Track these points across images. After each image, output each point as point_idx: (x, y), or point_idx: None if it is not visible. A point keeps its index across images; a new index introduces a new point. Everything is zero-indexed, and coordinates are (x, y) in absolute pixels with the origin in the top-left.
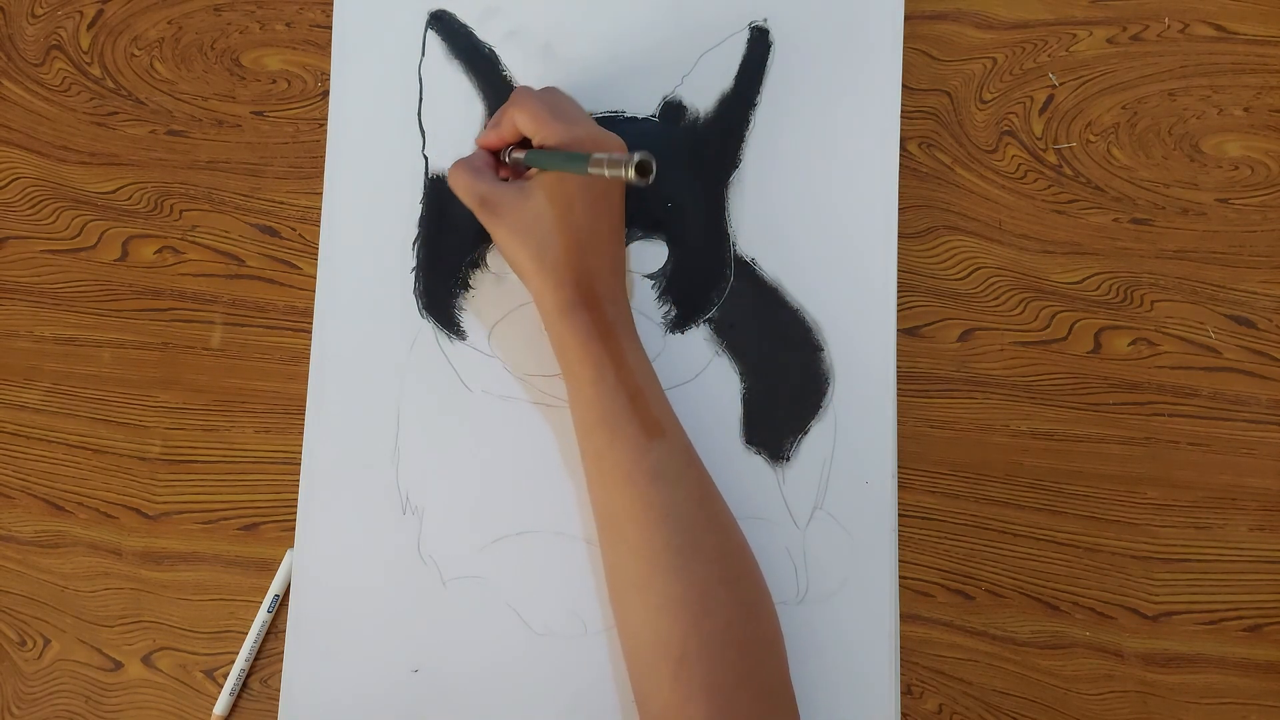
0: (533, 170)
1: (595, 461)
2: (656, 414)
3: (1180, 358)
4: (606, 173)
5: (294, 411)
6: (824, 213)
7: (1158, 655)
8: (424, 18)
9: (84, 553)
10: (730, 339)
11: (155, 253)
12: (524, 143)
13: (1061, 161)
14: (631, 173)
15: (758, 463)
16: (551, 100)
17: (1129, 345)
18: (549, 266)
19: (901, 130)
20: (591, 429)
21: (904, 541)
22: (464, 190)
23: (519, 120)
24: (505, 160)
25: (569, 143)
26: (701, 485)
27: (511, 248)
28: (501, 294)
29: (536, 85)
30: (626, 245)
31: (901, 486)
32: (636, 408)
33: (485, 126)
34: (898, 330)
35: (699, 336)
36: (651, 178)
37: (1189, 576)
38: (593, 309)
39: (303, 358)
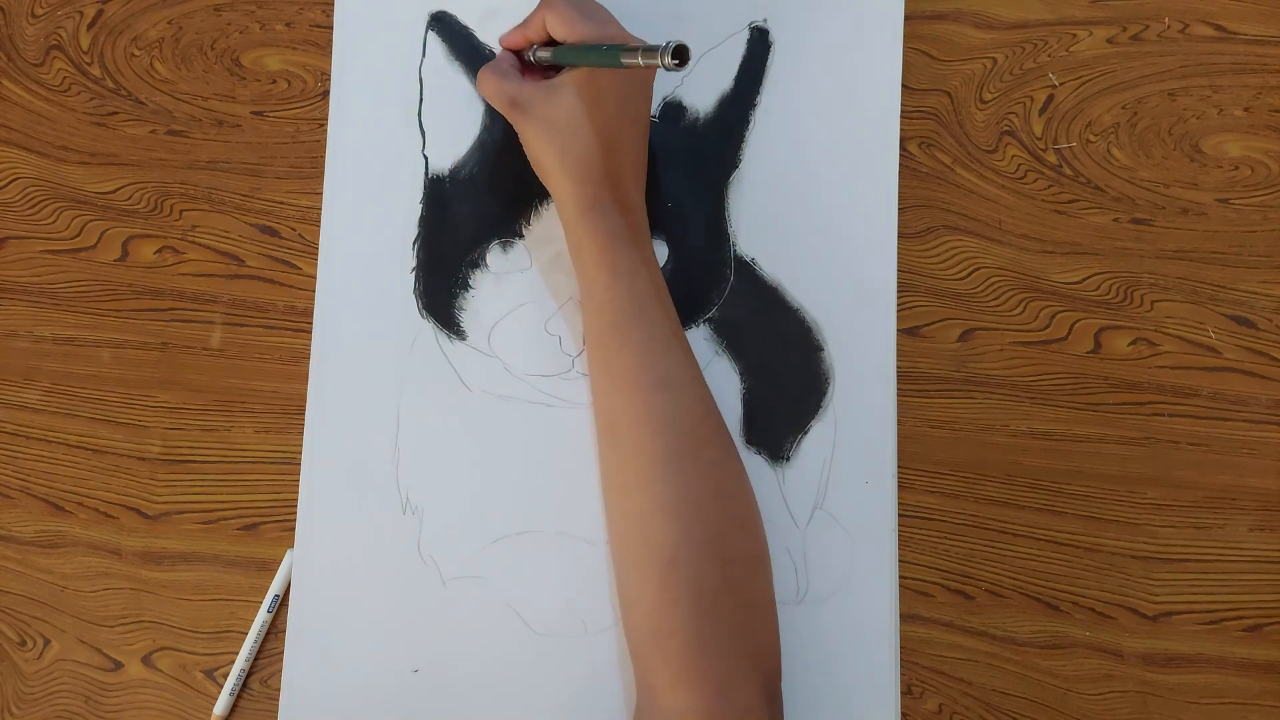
0: (563, 72)
1: (603, 367)
2: (668, 323)
3: (1180, 358)
4: (641, 62)
5: (294, 411)
6: (824, 213)
7: (1158, 655)
8: (424, 19)
9: (84, 553)
10: (730, 339)
11: (155, 253)
12: (549, 44)
13: (1061, 161)
14: (669, 59)
15: (758, 463)
16: (580, 2)
17: (1129, 345)
18: (572, 164)
19: (901, 130)
20: (602, 333)
21: (904, 541)
22: (493, 91)
23: (549, 21)
24: (530, 59)
25: (599, 40)
26: (704, 400)
27: (538, 146)
28: (501, 294)
29: None
30: None
31: (901, 486)
32: (649, 315)
33: (509, 31)
34: (898, 330)
35: (699, 336)
36: (688, 64)
37: (1189, 576)
38: (613, 212)
39: (303, 358)
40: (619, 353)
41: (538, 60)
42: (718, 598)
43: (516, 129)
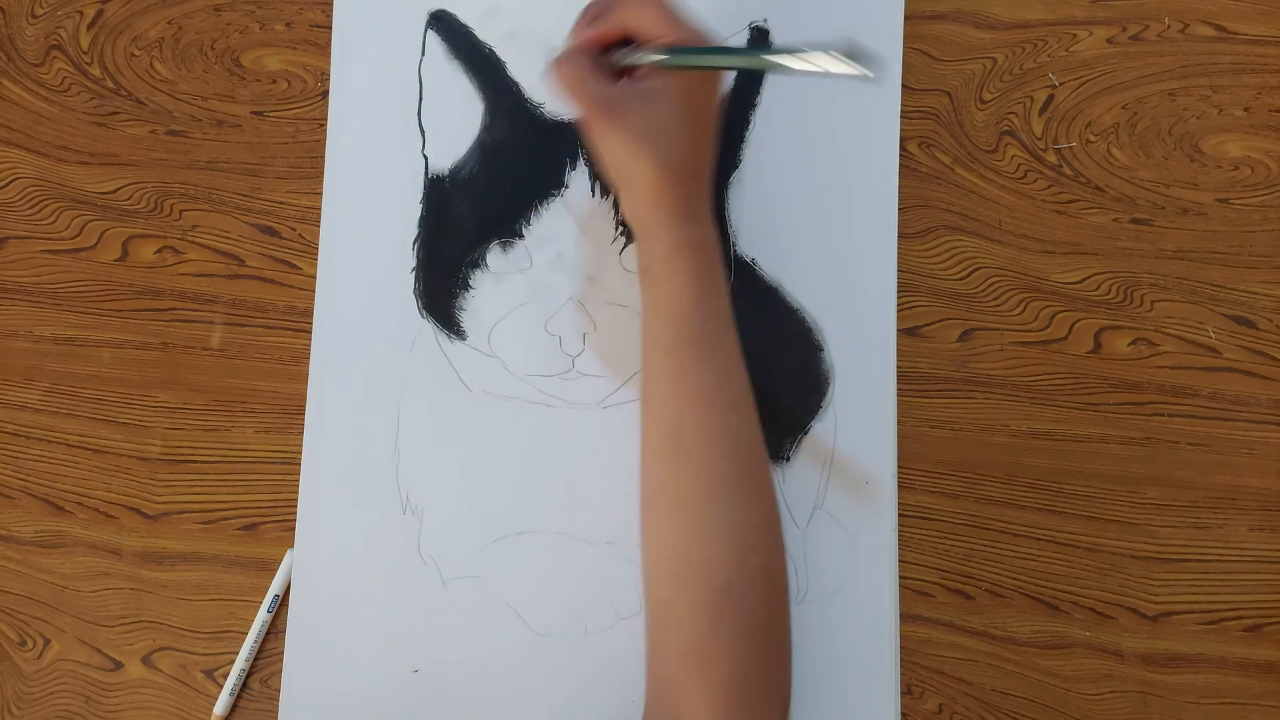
0: (653, 76)
1: (675, 379)
2: (738, 345)
3: (1180, 358)
4: (830, 67)
5: (294, 411)
6: (824, 213)
7: (1158, 655)
8: (424, 18)
9: (84, 553)
10: None
11: (155, 253)
12: (618, 45)
13: (1061, 161)
14: (865, 68)
15: None
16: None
17: (1129, 345)
18: (674, 173)
19: (901, 130)
20: (679, 345)
21: (904, 541)
22: (576, 90)
23: (637, 17)
24: (620, 63)
25: (694, 40)
26: (759, 428)
27: (629, 154)
28: (501, 294)
29: (535, 85)
30: (626, 245)
31: (901, 486)
32: (728, 334)
33: (574, 27)
34: (898, 330)
35: None
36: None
37: (1189, 576)
38: (700, 224)
39: (303, 358)
40: (697, 368)
41: (629, 63)
42: (764, 629)
43: (598, 132)
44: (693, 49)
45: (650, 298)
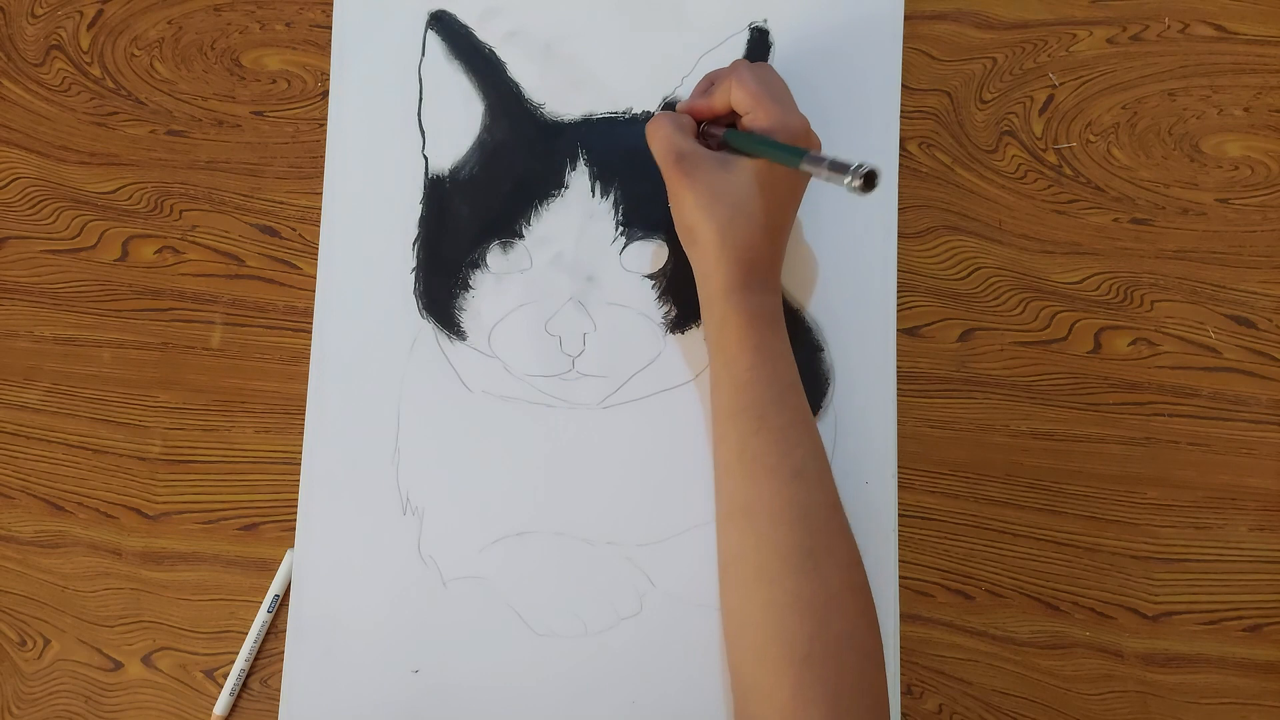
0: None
1: (735, 449)
2: (804, 411)
3: (1180, 358)
4: (825, 176)
5: (294, 411)
6: (824, 213)
7: (1158, 655)
8: (424, 18)
9: (84, 553)
10: None
11: (155, 253)
12: (719, 120)
13: (1061, 161)
14: (858, 182)
15: None
16: (769, 80)
17: (1129, 345)
18: (731, 242)
19: (901, 130)
20: (737, 414)
21: (904, 541)
22: (662, 142)
23: (736, 95)
24: (701, 129)
25: (779, 129)
26: (834, 492)
27: (695, 215)
28: (501, 294)
29: (535, 85)
30: (626, 245)
31: (901, 486)
32: (788, 401)
33: (690, 93)
34: (898, 330)
35: (699, 336)
36: (875, 190)
37: (1189, 576)
38: (762, 293)
39: (303, 358)
40: (755, 437)
41: (708, 137)
42: (852, 699)
43: (673, 187)
44: (743, 134)
45: (712, 366)
